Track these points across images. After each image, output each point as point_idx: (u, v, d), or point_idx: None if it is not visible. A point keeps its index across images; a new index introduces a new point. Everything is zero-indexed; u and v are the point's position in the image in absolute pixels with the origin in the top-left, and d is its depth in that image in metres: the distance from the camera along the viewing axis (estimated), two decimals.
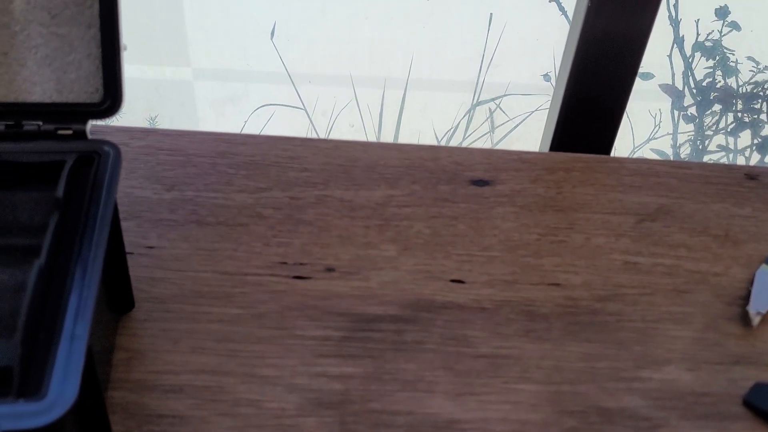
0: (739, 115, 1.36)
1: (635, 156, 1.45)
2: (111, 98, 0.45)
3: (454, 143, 1.52)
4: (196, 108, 1.61)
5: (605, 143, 0.74)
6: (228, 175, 0.59)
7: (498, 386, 0.46)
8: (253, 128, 1.54)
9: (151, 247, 0.52)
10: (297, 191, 0.58)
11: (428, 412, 0.44)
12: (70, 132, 0.45)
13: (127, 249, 0.51)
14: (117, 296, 0.46)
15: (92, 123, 0.45)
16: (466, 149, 0.64)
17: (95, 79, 0.46)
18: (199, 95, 1.64)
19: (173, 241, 0.53)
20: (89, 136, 0.45)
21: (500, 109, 1.48)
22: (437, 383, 0.46)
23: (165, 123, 1.58)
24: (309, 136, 1.54)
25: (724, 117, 1.37)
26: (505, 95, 1.48)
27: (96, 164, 0.42)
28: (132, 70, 1.57)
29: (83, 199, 0.40)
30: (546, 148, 0.73)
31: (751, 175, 0.64)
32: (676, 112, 1.37)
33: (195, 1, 1.54)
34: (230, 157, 0.60)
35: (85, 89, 0.46)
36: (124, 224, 0.54)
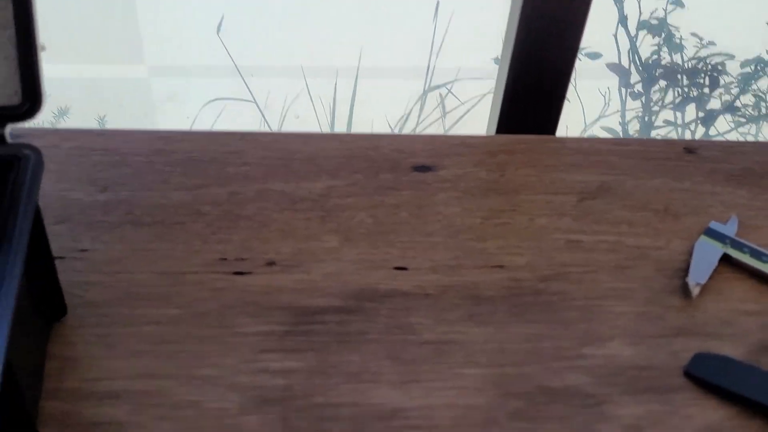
0: (686, 90, 1.37)
1: (586, 135, 1.46)
2: (30, 100, 0.44)
3: (407, 130, 1.51)
4: (144, 106, 1.59)
5: (550, 123, 0.74)
6: (164, 174, 0.57)
7: (443, 372, 0.46)
8: (204, 124, 1.52)
9: (84, 251, 0.51)
10: (236, 186, 0.57)
11: (373, 402, 0.44)
12: None
13: (60, 253, 0.50)
14: (46, 304, 0.45)
15: (12, 127, 0.44)
16: (408, 136, 0.64)
17: (13, 81, 0.44)
18: (149, 93, 1.61)
19: (108, 244, 0.51)
20: (9, 140, 0.43)
21: (452, 94, 1.48)
22: (382, 373, 0.46)
23: (114, 122, 1.55)
24: (262, 128, 1.53)
25: (671, 92, 1.39)
26: (456, 80, 1.48)
27: (16, 169, 0.41)
28: (82, 69, 1.54)
29: (1, 206, 0.39)
30: (492, 132, 0.73)
31: (690, 148, 0.65)
32: (623, 90, 1.38)
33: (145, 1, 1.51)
34: (167, 155, 0.59)
35: (3, 92, 0.44)
36: (55, 228, 0.52)
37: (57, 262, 0.49)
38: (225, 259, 0.51)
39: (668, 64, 1.37)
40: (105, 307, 0.47)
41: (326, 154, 0.61)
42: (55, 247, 0.50)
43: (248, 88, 1.48)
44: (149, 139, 0.61)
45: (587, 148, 0.64)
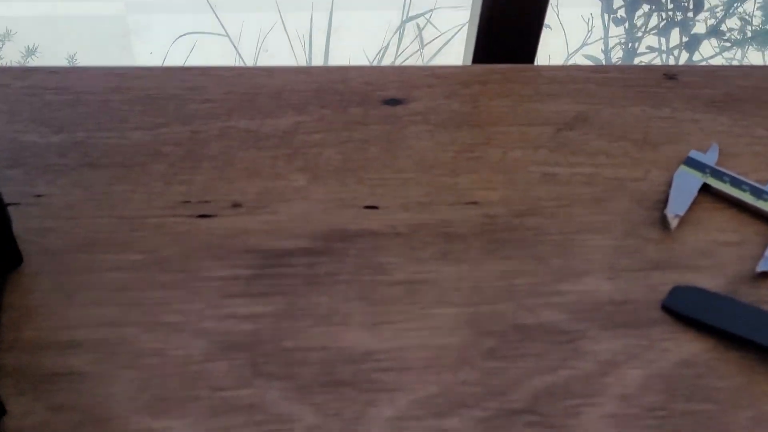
0: (670, 14, 1.34)
1: (569, 64, 1.43)
2: None
3: (386, 63, 1.47)
4: (118, 43, 1.53)
5: (529, 51, 0.71)
6: (122, 112, 0.55)
7: (415, 312, 0.45)
8: (176, 60, 1.47)
9: (39, 196, 0.49)
10: (198, 124, 0.55)
11: (343, 345, 0.43)
12: None
13: (14, 199, 0.48)
14: None
15: None
16: (377, 68, 0.61)
17: None
18: (127, 30, 1.55)
19: (64, 188, 0.49)
20: None
21: (431, 23, 1.44)
22: (352, 315, 0.44)
23: (86, 62, 1.50)
24: (237, 64, 1.48)
25: (654, 16, 1.35)
26: (435, 9, 1.43)
27: None
28: (56, 6, 1.48)
29: None
30: (469, 62, 0.70)
31: (669, 74, 0.63)
32: (606, 15, 1.34)
33: None
34: (124, 93, 0.56)
35: None
36: (9, 173, 0.50)
37: (11, 209, 0.47)
38: (188, 201, 0.49)
39: None
40: (63, 255, 0.45)
41: (293, 88, 0.58)
42: (9, 193, 0.48)
43: (221, 22, 1.42)
44: (105, 75, 0.58)
45: (564, 76, 0.62)
